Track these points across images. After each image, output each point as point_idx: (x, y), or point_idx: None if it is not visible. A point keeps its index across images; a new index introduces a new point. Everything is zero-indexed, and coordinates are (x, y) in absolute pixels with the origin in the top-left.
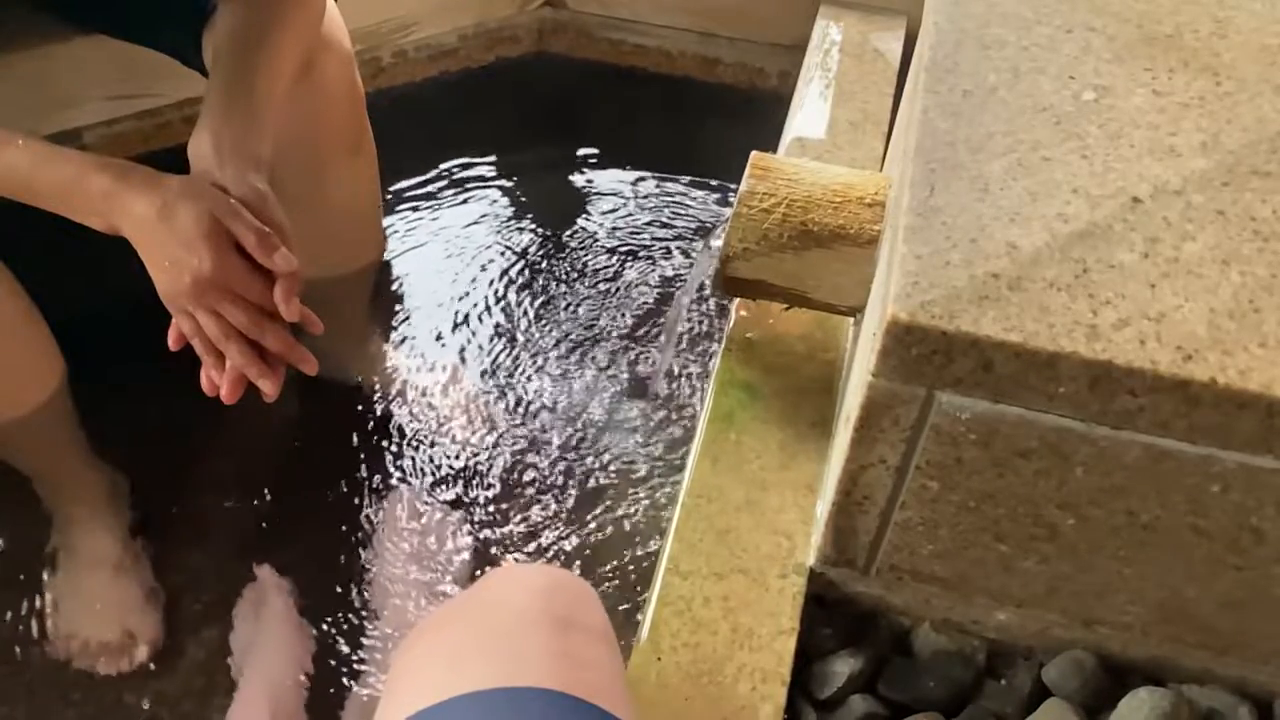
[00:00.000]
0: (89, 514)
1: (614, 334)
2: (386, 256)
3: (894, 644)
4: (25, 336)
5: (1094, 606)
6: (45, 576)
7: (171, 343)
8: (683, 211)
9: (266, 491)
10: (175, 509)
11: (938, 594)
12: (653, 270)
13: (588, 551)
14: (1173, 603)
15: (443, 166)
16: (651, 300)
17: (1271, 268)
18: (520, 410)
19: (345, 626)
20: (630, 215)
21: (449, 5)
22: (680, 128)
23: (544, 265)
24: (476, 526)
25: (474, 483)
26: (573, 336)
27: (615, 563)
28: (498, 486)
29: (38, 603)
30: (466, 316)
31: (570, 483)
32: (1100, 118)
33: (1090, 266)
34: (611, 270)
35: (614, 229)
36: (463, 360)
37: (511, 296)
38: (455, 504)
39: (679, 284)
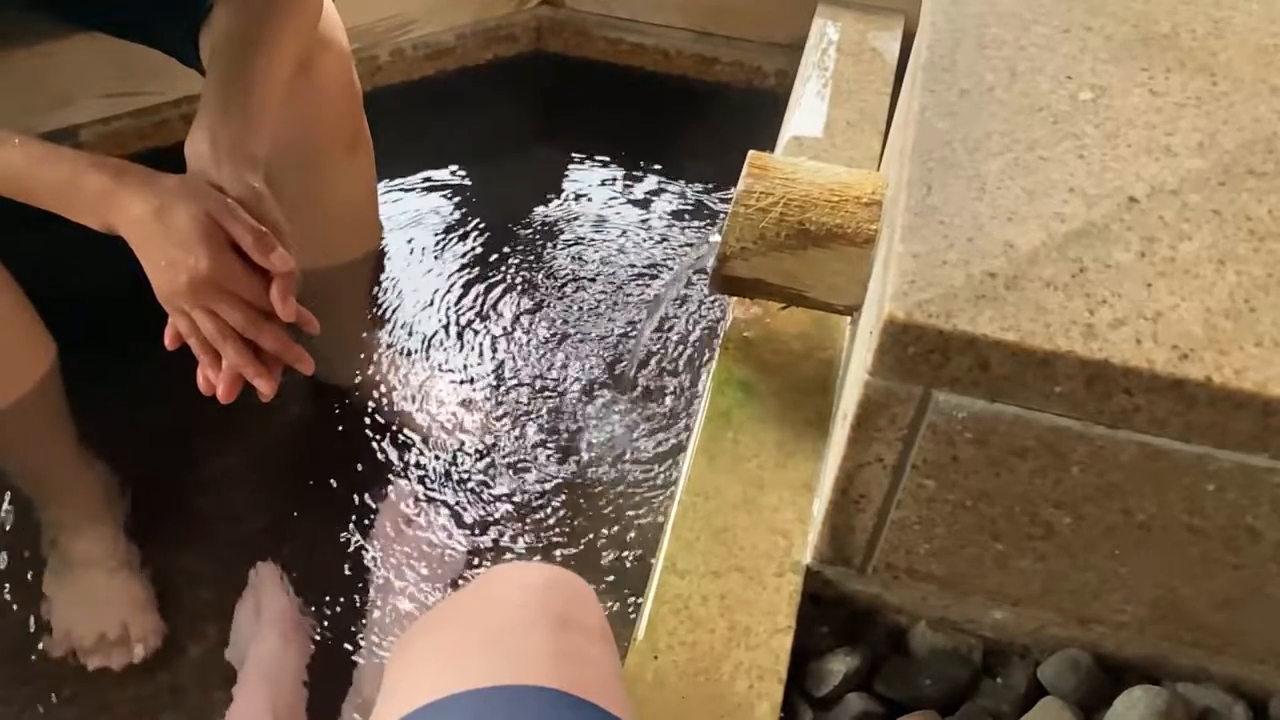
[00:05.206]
0: (82, 514)
1: (611, 332)
2: (383, 254)
3: (890, 642)
4: (13, 324)
5: (1090, 605)
6: (43, 576)
7: (168, 342)
8: (680, 210)
9: (264, 490)
10: (172, 508)
11: (934, 592)
12: (650, 269)
13: (585, 549)
14: (1168, 601)
15: (440, 165)
16: (648, 298)
17: (1267, 267)
18: (518, 407)
19: (344, 624)
20: (628, 214)
21: (446, 4)
22: (677, 126)
23: (541, 263)
24: (474, 524)
25: (471, 480)
26: (570, 334)
27: (612, 561)
28: (495, 484)
29: (35, 602)
30: (463, 314)
31: (567, 480)
32: (1097, 117)
33: (1087, 266)
34: (608, 268)
35: (611, 227)
36: (459, 357)
37: (508, 294)
38: (452, 502)
39: (667, 281)
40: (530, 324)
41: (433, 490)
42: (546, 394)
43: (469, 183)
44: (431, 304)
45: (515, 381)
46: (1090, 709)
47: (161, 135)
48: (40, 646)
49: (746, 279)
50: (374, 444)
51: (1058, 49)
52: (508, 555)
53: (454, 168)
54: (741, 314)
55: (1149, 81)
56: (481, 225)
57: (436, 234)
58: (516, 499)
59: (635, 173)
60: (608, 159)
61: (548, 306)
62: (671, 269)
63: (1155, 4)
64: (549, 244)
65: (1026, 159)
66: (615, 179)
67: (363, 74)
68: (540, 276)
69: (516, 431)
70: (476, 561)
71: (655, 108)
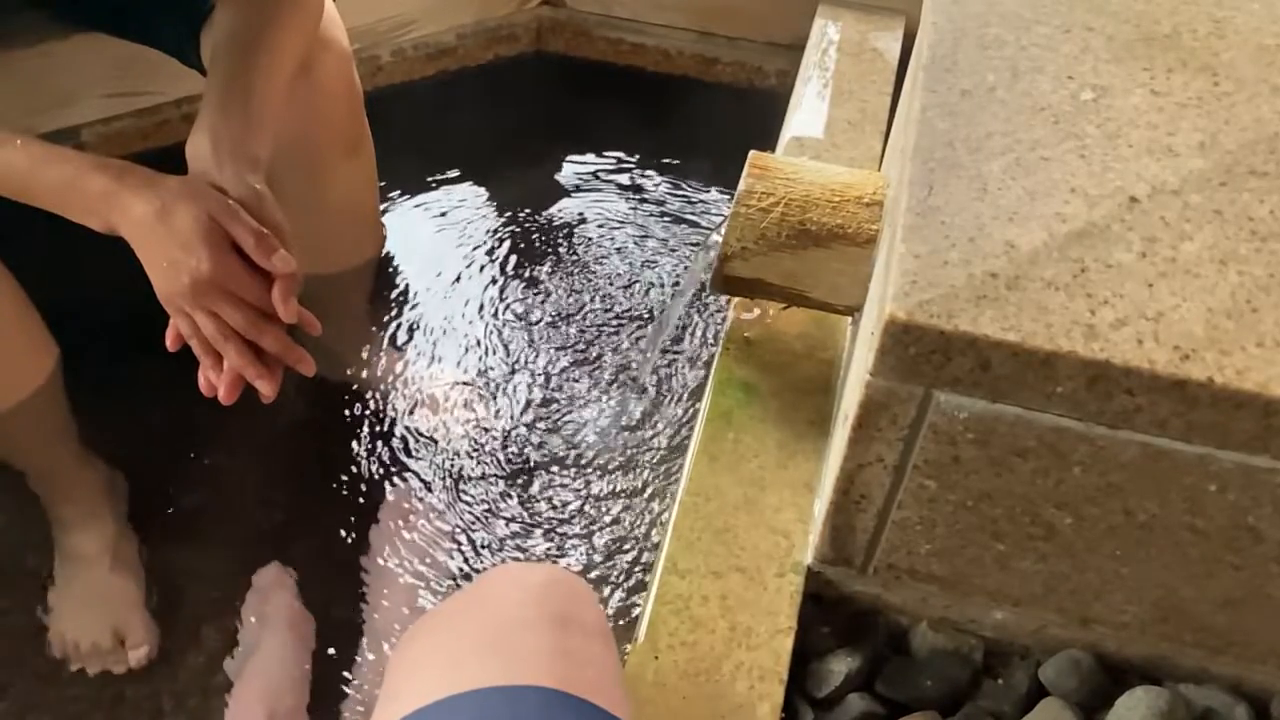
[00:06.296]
0: (83, 512)
1: (612, 332)
2: (384, 255)
3: (891, 643)
4: (17, 327)
5: (1091, 605)
6: (44, 575)
7: (169, 343)
8: (681, 210)
9: (265, 491)
10: (174, 508)
11: (935, 593)
12: (651, 269)
13: (585, 549)
14: (1169, 602)
15: (441, 165)
16: (650, 299)
17: (1269, 267)
18: (518, 408)
19: (344, 625)
20: (628, 214)
21: (447, 4)
22: (678, 127)
23: (542, 264)
24: (474, 525)
25: (472, 480)
26: (571, 335)
27: (613, 561)
28: (495, 484)
29: (36, 601)
30: (464, 315)
31: (568, 480)
32: (1098, 117)
33: (1088, 266)
34: (609, 268)
35: (612, 227)
36: (461, 358)
37: (509, 295)
38: (453, 502)
39: (677, 283)
40: (532, 323)
41: (434, 490)
42: (548, 393)
43: (470, 183)
44: (433, 304)
45: (517, 381)
46: (1091, 709)
47: (162, 135)
48: (40, 645)
49: (747, 279)
50: (376, 444)
51: (1059, 49)
52: (508, 555)
53: (455, 168)
54: (743, 314)
55: (1150, 81)
56: (483, 225)
57: (438, 234)
58: (517, 499)
59: (636, 173)
60: (609, 159)
61: (549, 306)
62: (672, 270)
63: (1157, 4)
64: (550, 244)
65: (1028, 159)
66: (616, 179)
67: (364, 74)
68: (541, 276)
69: (518, 431)
70: (477, 561)
71: (656, 108)
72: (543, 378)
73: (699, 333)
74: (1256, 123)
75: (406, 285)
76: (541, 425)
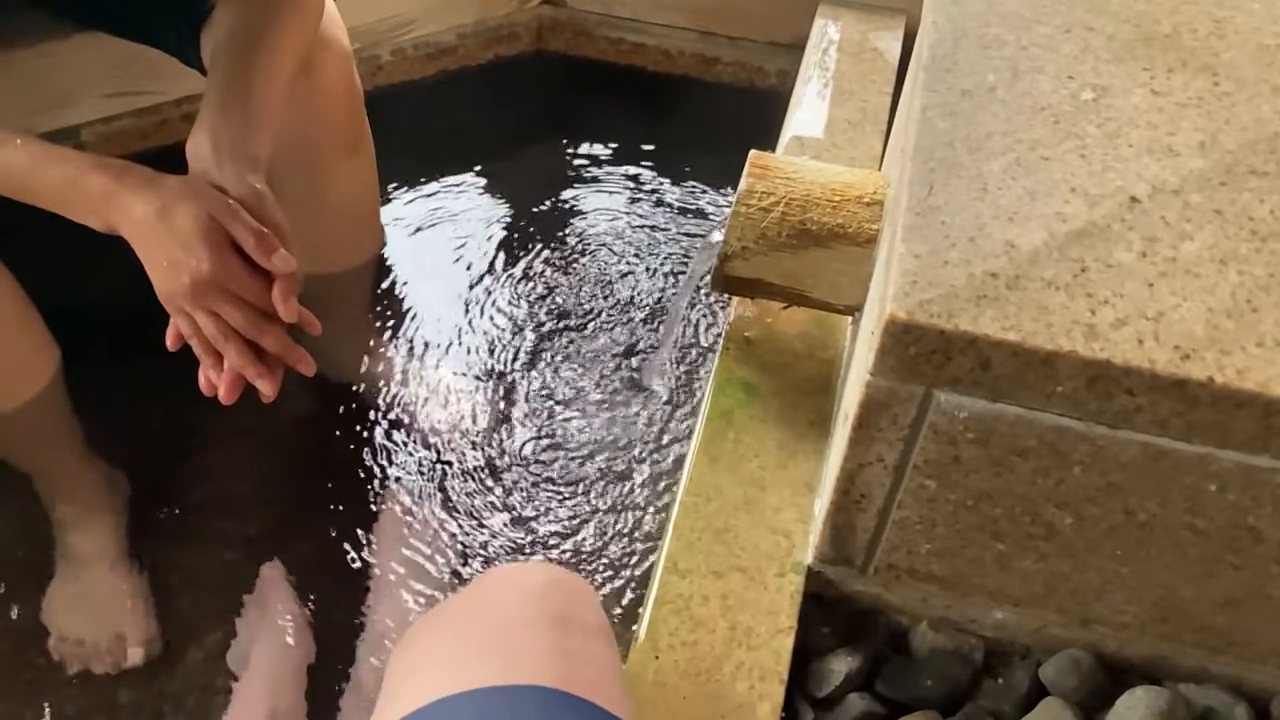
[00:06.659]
0: (84, 512)
1: (613, 332)
2: (385, 255)
3: (892, 642)
4: (19, 329)
5: (1091, 605)
6: (44, 575)
7: (170, 343)
8: (681, 210)
9: (265, 491)
10: (174, 508)
11: (935, 593)
12: (651, 269)
13: (586, 549)
14: (1170, 602)
15: (441, 165)
16: (650, 298)
17: (1269, 267)
18: (519, 408)
19: (344, 625)
20: (629, 214)
21: (448, 3)
22: (679, 126)
23: (543, 264)
24: (475, 524)
25: (473, 480)
26: (571, 334)
27: (613, 560)
28: (497, 483)
29: (36, 601)
30: (465, 315)
31: (569, 480)
32: (1099, 117)
33: (1088, 266)
34: (610, 268)
35: (612, 227)
36: (461, 357)
37: (510, 295)
38: (454, 501)
39: (678, 282)
40: (533, 323)
41: (435, 490)
42: (549, 392)
43: (470, 182)
44: (433, 303)
45: (518, 381)
46: (1092, 709)
47: (163, 135)
48: (41, 645)
49: (748, 279)
50: (376, 444)
51: (1059, 49)
52: (509, 555)
53: (455, 168)
54: (743, 314)
55: (1151, 81)
56: (483, 225)
57: (438, 234)
58: (517, 498)
59: (637, 172)
60: (609, 159)
61: (550, 307)
62: (674, 269)
63: (1157, 4)
64: (550, 243)
65: (1028, 159)
66: (616, 179)
67: (364, 74)
68: (541, 276)
69: (518, 431)
70: (477, 561)
71: (656, 107)
72: (544, 377)
73: (699, 333)
74: (1257, 123)
75: (406, 285)
76: (543, 424)
